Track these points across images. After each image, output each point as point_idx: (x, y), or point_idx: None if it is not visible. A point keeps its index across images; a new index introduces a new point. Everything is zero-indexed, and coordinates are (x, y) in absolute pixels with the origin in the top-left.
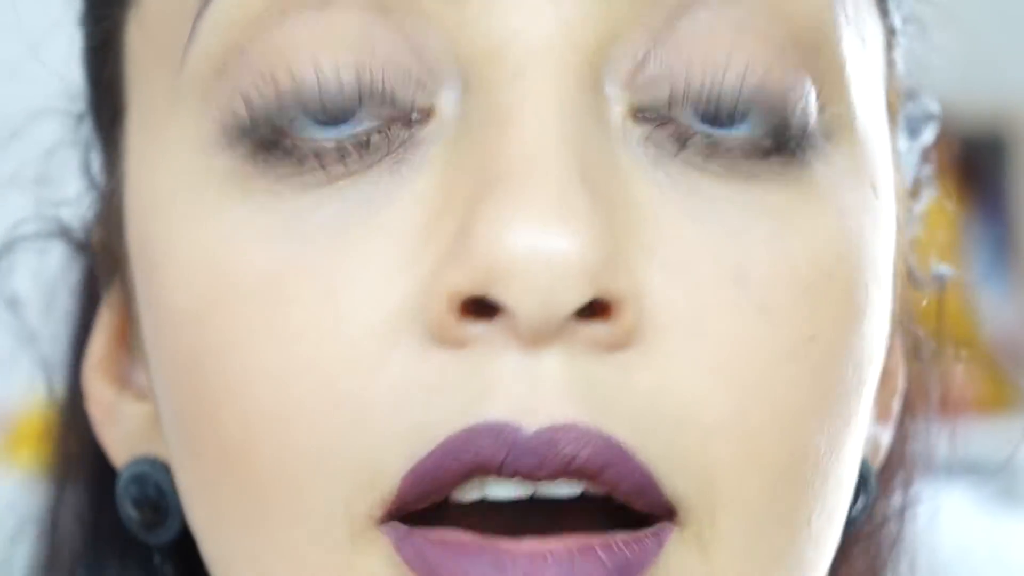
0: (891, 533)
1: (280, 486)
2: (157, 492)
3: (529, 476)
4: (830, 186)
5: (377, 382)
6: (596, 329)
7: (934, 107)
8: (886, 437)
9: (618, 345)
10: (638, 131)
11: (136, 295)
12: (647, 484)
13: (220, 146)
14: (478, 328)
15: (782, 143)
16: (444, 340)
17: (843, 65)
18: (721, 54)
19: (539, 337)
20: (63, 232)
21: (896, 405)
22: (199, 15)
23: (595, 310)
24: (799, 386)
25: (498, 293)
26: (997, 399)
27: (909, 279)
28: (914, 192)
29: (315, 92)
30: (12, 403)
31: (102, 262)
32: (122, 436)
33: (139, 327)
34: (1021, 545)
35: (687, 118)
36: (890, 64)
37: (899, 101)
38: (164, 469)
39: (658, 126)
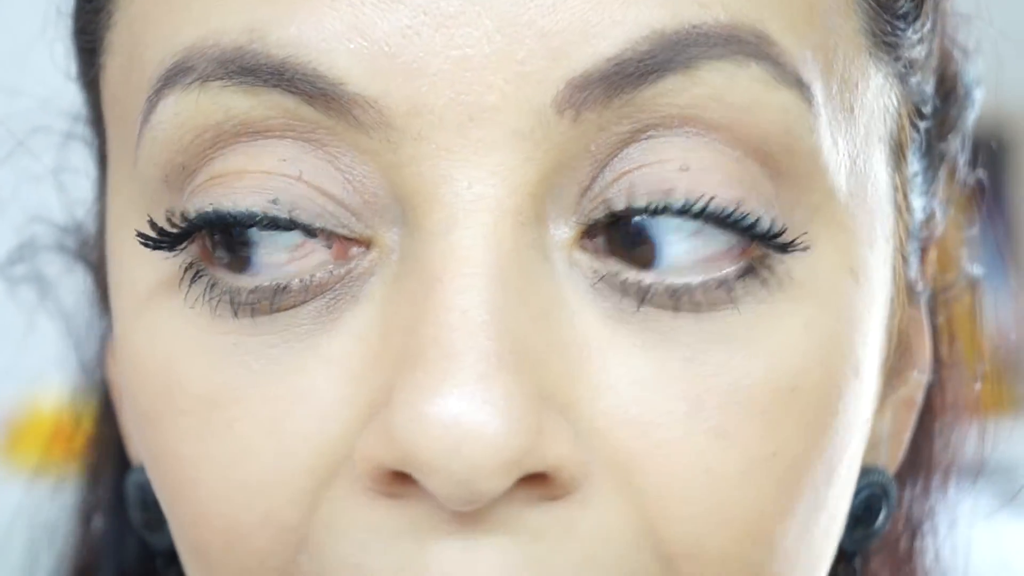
0: (915, 537)
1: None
2: (155, 501)
3: None
4: (794, 301)
5: (316, 518)
6: (532, 492)
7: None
8: (905, 438)
9: (556, 497)
10: (586, 262)
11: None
12: None
13: (167, 262)
14: (409, 488)
15: (734, 276)
16: (378, 491)
17: (816, 158)
18: (668, 180)
19: (462, 513)
20: (67, 245)
21: (914, 411)
22: (144, 120)
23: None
24: (763, 500)
25: (419, 478)
26: (996, 401)
27: (939, 282)
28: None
29: (248, 232)
30: (12, 403)
31: (102, 277)
32: None
33: None
34: (1022, 549)
35: (622, 251)
36: (904, 96)
37: (914, 124)
38: None
39: (608, 277)
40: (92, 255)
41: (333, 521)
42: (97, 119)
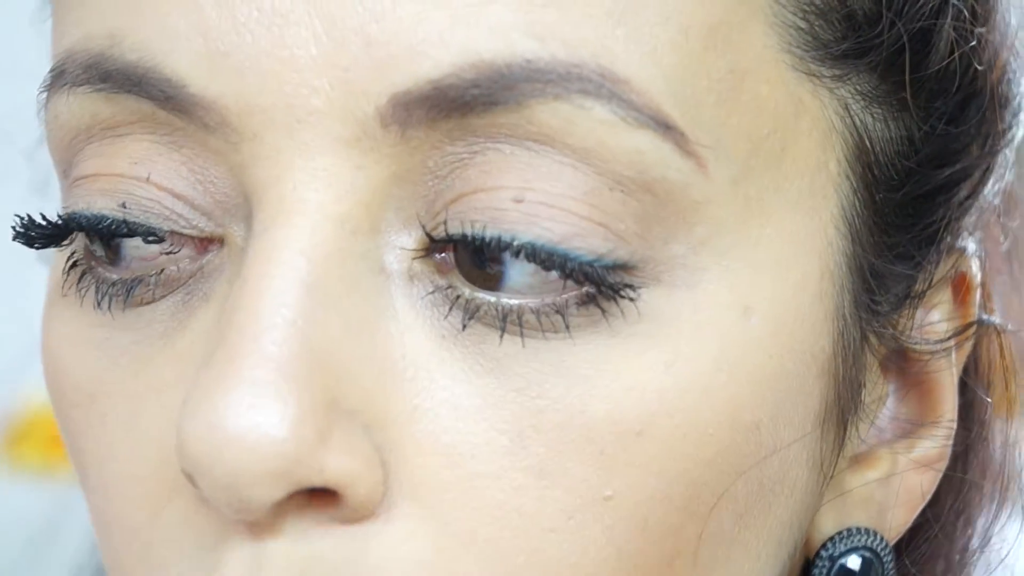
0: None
1: (116, 570)
2: None
3: None
4: (650, 337)
5: (160, 523)
6: (322, 511)
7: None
8: (921, 501)
9: (352, 520)
10: (428, 276)
11: None
12: None
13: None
14: None
15: (574, 302)
16: (199, 496)
17: (690, 193)
18: (499, 212)
19: (255, 522)
20: None
21: (935, 470)
22: (43, 119)
23: (321, 490)
24: (590, 547)
25: (195, 481)
26: (997, 401)
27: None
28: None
29: (106, 225)
30: (12, 403)
31: None
32: None
33: None
34: (1021, 550)
35: (469, 268)
36: (874, 121)
37: (891, 153)
38: None
39: (443, 289)
40: None
41: (169, 526)
42: None
